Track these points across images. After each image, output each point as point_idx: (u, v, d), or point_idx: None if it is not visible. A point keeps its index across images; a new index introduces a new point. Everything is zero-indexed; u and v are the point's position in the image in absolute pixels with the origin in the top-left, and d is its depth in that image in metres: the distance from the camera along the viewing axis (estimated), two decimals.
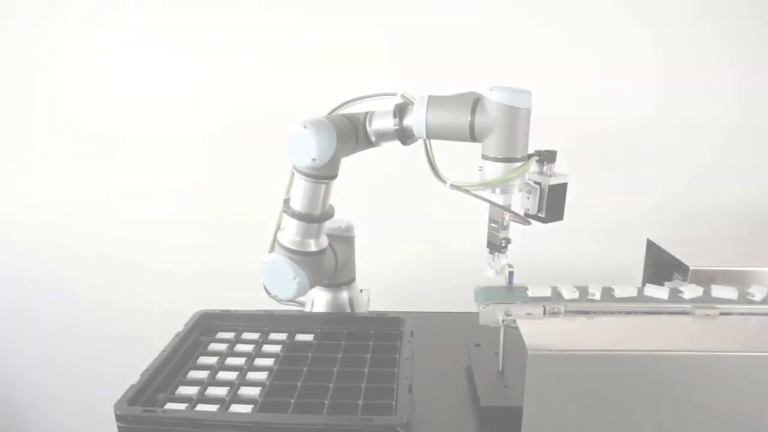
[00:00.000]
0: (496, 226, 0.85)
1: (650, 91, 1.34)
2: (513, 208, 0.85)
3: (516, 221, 0.88)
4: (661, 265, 1.08)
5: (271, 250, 0.96)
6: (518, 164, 0.79)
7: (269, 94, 1.36)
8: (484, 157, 0.80)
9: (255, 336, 0.98)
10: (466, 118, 0.81)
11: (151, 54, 1.37)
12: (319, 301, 1.07)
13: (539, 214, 0.90)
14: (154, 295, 1.55)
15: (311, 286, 0.95)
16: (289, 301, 0.95)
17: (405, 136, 0.87)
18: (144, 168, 1.45)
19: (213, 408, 0.78)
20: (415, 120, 0.84)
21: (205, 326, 1.01)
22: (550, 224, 1.43)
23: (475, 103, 0.81)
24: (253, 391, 0.82)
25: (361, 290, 1.13)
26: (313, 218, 0.92)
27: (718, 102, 1.34)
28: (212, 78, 1.37)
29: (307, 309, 1.08)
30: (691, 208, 1.41)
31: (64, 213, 1.50)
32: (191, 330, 0.97)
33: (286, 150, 0.87)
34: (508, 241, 0.85)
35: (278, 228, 0.97)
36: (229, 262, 1.42)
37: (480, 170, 0.84)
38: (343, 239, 1.03)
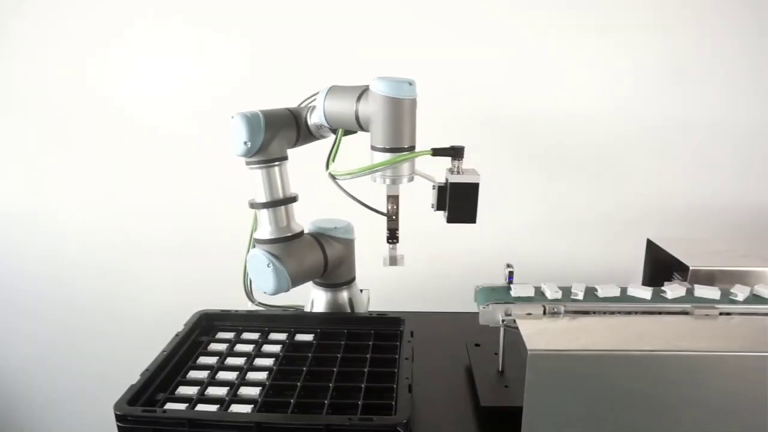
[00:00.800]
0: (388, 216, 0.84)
1: (650, 91, 1.34)
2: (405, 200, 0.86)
3: (376, 212, 0.88)
4: (661, 265, 1.08)
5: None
6: (404, 155, 0.78)
7: (269, 95, 1.36)
8: (372, 147, 0.79)
9: (255, 336, 0.98)
10: (352, 108, 0.81)
11: (151, 54, 1.37)
12: (319, 301, 1.07)
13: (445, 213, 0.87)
14: (154, 295, 1.55)
15: (292, 278, 0.94)
16: (275, 294, 0.95)
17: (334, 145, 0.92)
18: (144, 168, 1.45)
19: (213, 408, 0.78)
20: (317, 108, 0.88)
21: (205, 326, 1.01)
22: (551, 223, 1.44)
23: (361, 93, 0.81)
24: (253, 391, 0.82)
25: (361, 290, 1.13)
26: (278, 202, 0.94)
27: (718, 102, 1.34)
28: (212, 78, 1.37)
29: (307, 309, 1.08)
30: (691, 208, 1.41)
31: (63, 213, 1.50)
32: (191, 330, 0.97)
33: (226, 146, 0.93)
34: (395, 231, 0.84)
35: (254, 229, 0.99)
36: (230, 262, 1.42)
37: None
38: (340, 240, 1.03)
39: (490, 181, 1.41)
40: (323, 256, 0.99)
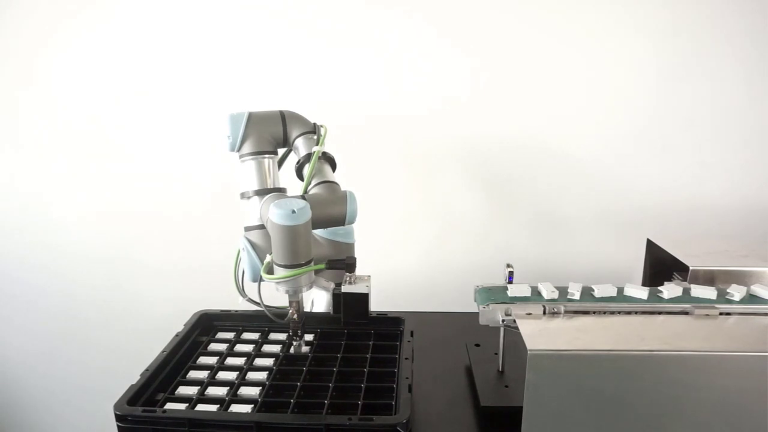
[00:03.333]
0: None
1: (650, 91, 1.34)
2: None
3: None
4: (661, 265, 1.08)
5: None
6: (300, 269, 0.85)
7: (270, 96, 1.37)
8: (273, 261, 0.86)
9: (255, 336, 0.98)
10: (266, 218, 0.87)
11: (151, 54, 1.37)
12: (319, 301, 1.07)
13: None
14: (154, 295, 1.55)
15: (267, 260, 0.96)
16: (253, 281, 0.96)
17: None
18: (144, 168, 1.45)
19: (213, 408, 0.78)
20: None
21: (205, 326, 1.01)
22: (551, 223, 1.44)
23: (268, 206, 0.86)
24: (253, 391, 0.82)
25: None
26: (266, 191, 0.98)
27: (718, 102, 1.34)
28: (213, 79, 1.37)
29: (307, 309, 1.08)
30: (691, 208, 1.41)
31: (63, 213, 1.50)
32: (191, 330, 0.98)
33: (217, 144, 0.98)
34: (297, 330, 0.91)
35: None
36: (230, 262, 1.42)
37: None
38: (341, 245, 1.02)
39: (491, 181, 1.42)
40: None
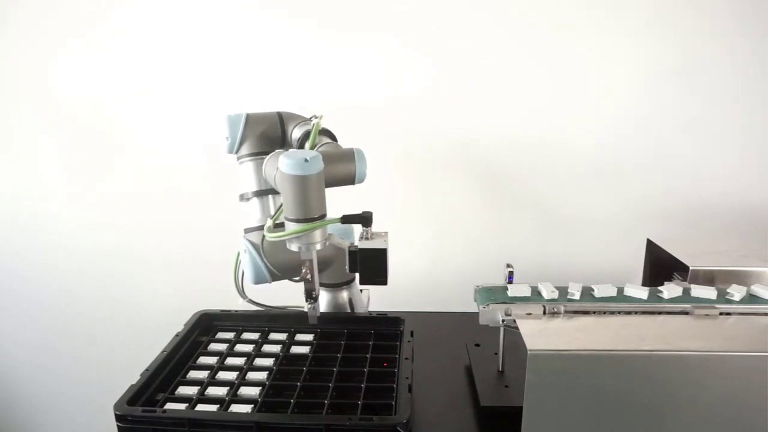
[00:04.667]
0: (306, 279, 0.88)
1: (651, 90, 1.34)
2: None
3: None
4: (661, 265, 1.08)
5: None
6: (313, 224, 0.81)
7: (269, 96, 1.36)
8: (285, 218, 0.82)
9: (255, 336, 0.98)
10: (273, 174, 0.83)
11: (150, 53, 1.37)
12: (319, 301, 1.07)
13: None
14: (154, 295, 1.55)
15: (269, 267, 0.95)
16: (254, 283, 0.96)
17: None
18: (144, 168, 1.45)
19: (213, 408, 0.78)
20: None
21: (205, 326, 1.01)
22: (551, 223, 1.44)
23: (275, 160, 0.83)
24: (253, 391, 0.82)
25: (361, 290, 1.13)
26: (265, 192, 0.99)
27: (718, 101, 1.34)
28: (213, 79, 1.37)
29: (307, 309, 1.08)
30: (691, 208, 1.41)
31: (64, 213, 1.50)
32: (191, 330, 0.98)
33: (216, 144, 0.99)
34: (311, 291, 0.87)
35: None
36: (230, 262, 1.42)
37: None
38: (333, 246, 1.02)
39: (490, 181, 1.42)
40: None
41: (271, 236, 0.83)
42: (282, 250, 0.96)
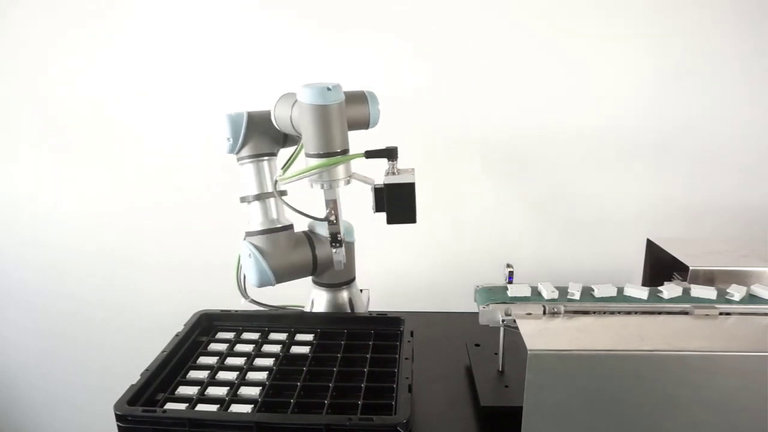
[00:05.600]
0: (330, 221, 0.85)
1: (650, 90, 1.34)
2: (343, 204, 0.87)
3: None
4: (661, 265, 1.08)
5: None
6: (336, 158, 0.78)
7: (269, 96, 1.36)
8: (306, 154, 0.79)
9: (255, 336, 0.98)
10: (288, 113, 0.81)
11: (150, 52, 1.37)
12: (319, 301, 1.07)
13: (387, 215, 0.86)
14: (154, 295, 1.55)
15: (275, 270, 0.95)
16: (258, 286, 0.96)
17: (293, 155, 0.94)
18: (144, 168, 1.45)
19: (213, 408, 0.78)
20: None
21: (205, 326, 1.01)
22: (551, 223, 1.44)
23: (294, 100, 0.81)
24: (253, 391, 0.82)
25: (361, 290, 1.13)
26: (267, 195, 0.97)
27: (718, 101, 1.34)
28: (213, 79, 1.37)
29: (307, 309, 1.08)
30: (691, 208, 1.41)
31: (63, 213, 1.50)
32: (191, 330, 0.97)
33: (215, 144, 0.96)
34: (336, 235, 0.84)
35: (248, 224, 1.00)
36: (229, 262, 1.42)
37: None
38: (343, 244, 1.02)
39: (490, 181, 1.42)
40: (312, 255, 1.00)
41: (287, 177, 0.79)
42: (286, 251, 0.97)
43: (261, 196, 0.97)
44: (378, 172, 0.89)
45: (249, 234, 0.97)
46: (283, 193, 0.99)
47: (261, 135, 0.96)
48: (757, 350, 0.72)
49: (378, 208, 0.86)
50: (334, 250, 0.87)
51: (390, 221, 0.86)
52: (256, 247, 0.94)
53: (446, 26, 1.30)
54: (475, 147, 1.38)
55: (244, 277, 1.02)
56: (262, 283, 0.95)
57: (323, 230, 1.01)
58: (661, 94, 1.34)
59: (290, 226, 0.99)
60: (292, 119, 0.80)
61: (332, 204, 0.82)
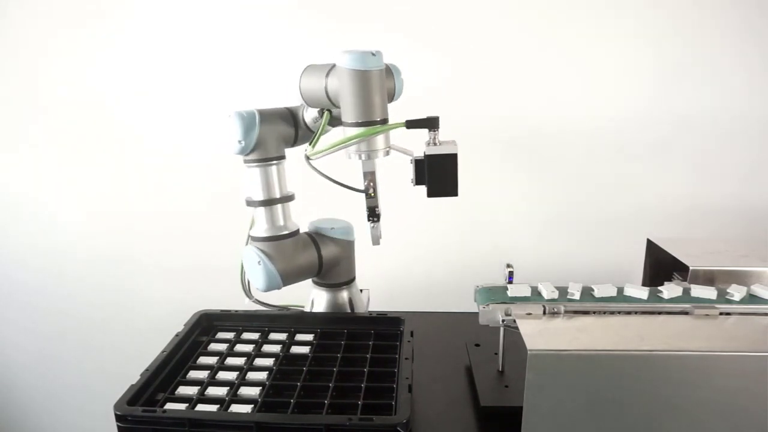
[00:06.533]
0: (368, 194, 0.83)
1: (650, 90, 1.34)
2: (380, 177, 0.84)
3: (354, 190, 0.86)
4: (661, 265, 1.08)
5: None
6: (376, 127, 0.75)
7: (268, 96, 1.36)
8: (344, 123, 0.77)
9: (255, 336, 0.98)
10: (322, 84, 0.79)
11: (150, 53, 1.37)
12: (319, 301, 1.07)
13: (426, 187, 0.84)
14: (154, 295, 1.55)
15: (283, 276, 0.94)
16: (265, 291, 0.96)
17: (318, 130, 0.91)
18: (144, 168, 1.45)
19: (213, 408, 0.78)
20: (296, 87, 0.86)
21: (205, 326, 1.01)
22: (551, 223, 1.44)
23: (330, 69, 0.80)
24: (253, 391, 0.82)
25: (361, 290, 1.13)
26: (274, 201, 0.95)
27: (718, 102, 1.34)
28: (212, 78, 1.37)
29: (307, 309, 1.08)
30: (691, 208, 1.41)
31: (63, 213, 1.50)
32: (191, 330, 0.97)
33: (221, 144, 0.93)
34: (374, 209, 0.82)
35: (252, 225, 0.99)
36: (229, 262, 1.42)
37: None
38: (336, 241, 1.02)
39: (490, 181, 1.42)
40: (318, 256, 1.00)
41: (320, 151, 0.76)
42: (293, 256, 0.96)
43: (269, 202, 0.95)
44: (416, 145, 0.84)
45: (255, 239, 0.95)
46: (290, 197, 0.98)
47: (273, 135, 0.92)
48: (757, 350, 0.72)
49: (418, 181, 0.84)
50: (371, 225, 0.84)
51: (430, 194, 0.83)
52: (264, 253, 0.93)
53: (444, 26, 1.30)
54: (474, 147, 1.38)
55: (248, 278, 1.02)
56: (270, 289, 0.95)
57: (327, 230, 1.00)
58: (661, 93, 1.34)
59: (297, 231, 0.99)
60: (328, 89, 0.77)
61: (370, 176, 0.80)
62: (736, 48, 1.30)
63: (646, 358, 0.72)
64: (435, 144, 0.83)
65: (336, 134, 0.86)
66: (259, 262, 0.93)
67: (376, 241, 0.86)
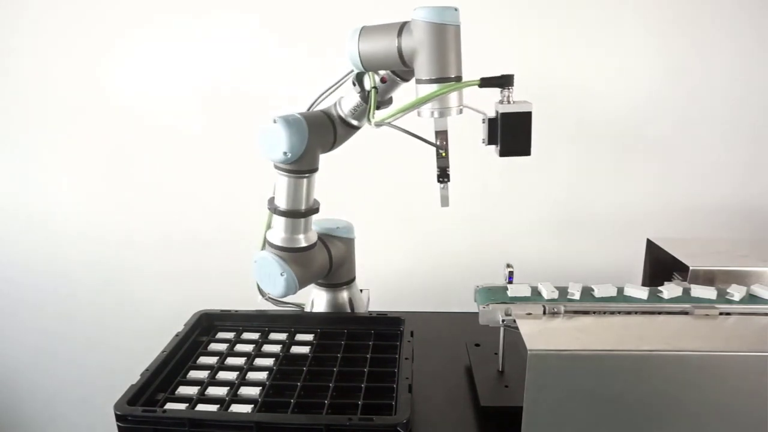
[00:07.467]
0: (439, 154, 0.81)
1: (651, 91, 1.34)
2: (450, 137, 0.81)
3: (431, 145, 0.83)
4: (661, 265, 1.08)
5: (263, 248, 0.97)
6: (451, 85, 0.74)
7: (268, 95, 1.37)
8: (417, 80, 0.75)
9: (255, 336, 0.98)
10: (393, 43, 0.77)
11: (150, 54, 1.37)
12: (319, 301, 1.07)
13: (497, 147, 0.82)
14: (154, 295, 1.55)
15: (301, 284, 0.95)
16: (281, 298, 0.96)
17: (370, 98, 0.86)
18: (146, 166, 1.45)
19: (213, 408, 0.78)
20: (349, 53, 0.82)
21: (205, 326, 1.01)
22: (552, 223, 1.44)
23: (402, 26, 0.78)
24: (253, 391, 0.82)
25: (361, 290, 1.13)
26: (298, 213, 0.93)
27: (719, 101, 1.34)
28: (211, 78, 1.37)
29: (307, 309, 1.08)
30: (691, 208, 1.41)
31: (63, 213, 1.50)
32: (191, 330, 0.97)
33: (256, 145, 0.87)
34: (445, 169, 0.81)
35: (267, 227, 0.98)
36: (229, 262, 1.42)
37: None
38: (342, 240, 1.03)
39: (490, 181, 1.42)
40: (329, 258, 1.00)
41: (390, 115, 0.74)
42: (311, 263, 0.96)
43: (293, 214, 0.92)
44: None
45: (275, 246, 0.94)
46: (315, 210, 0.95)
47: (317, 145, 0.87)
48: (757, 350, 0.72)
49: (490, 141, 0.81)
50: (441, 186, 0.82)
51: (503, 153, 0.81)
52: (286, 262, 0.92)
53: None
54: (473, 147, 1.38)
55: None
56: (289, 292, 0.95)
57: (333, 230, 0.99)
58: (661, 93, 1.34)
59: (315, 243, 0.98)
60: (402, 46, 0.75)
61: (443, 135, 0.78)
62: (738, 48, 1.30)
63: (646, 358, 0.72)
64: (509, 102, 0.81)
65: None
66: (282, 273, 0.92)
67: (445, 202, 0.84)
